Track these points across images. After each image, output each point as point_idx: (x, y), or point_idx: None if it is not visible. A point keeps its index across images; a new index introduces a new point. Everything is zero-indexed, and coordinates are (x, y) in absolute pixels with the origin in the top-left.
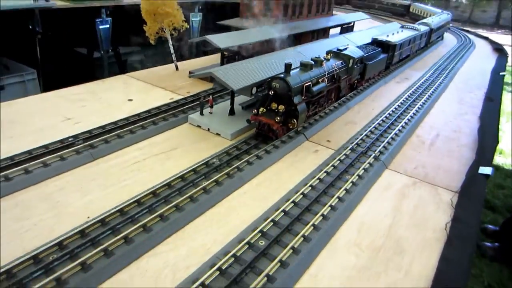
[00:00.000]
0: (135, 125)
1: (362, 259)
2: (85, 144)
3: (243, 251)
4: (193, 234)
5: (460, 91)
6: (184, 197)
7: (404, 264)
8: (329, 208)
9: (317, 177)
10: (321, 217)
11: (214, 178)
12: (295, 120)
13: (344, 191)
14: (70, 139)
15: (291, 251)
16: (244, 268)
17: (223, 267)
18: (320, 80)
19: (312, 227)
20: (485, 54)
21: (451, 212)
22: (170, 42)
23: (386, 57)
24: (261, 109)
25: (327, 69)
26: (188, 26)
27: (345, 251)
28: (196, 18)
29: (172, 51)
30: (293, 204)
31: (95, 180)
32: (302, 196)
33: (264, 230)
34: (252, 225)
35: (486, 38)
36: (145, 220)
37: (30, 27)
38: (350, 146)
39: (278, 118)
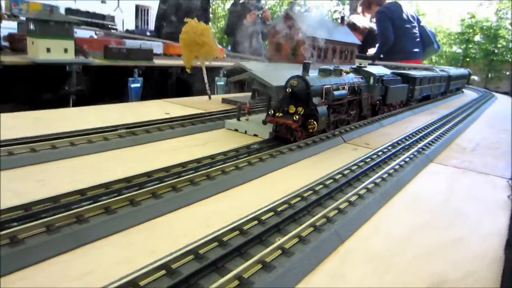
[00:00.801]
0: (174, 122)
1: (422, 217)
2: (127, 131)
3: (297, 200)
4: (238, 195)
5: (490, 121)
6: (230, 163)
7: (468, 223)
8: (380, 179)
9: (361, 159)
10: (373, 184)
11: (257, 155)
12: (315, 122)
13: (392, 170)
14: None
15: (347, 203)
16: (297, 211)
17: (278, 209)
18: (340, 87)
19: (365, 190)
20: (508, 102)
21: (510, 191)
22: (205, 71)
23: (407, 87)
24: (277, 114)
25: (347, 80)
26: (224, 56)
27: (403, 211)
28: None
29: (205, 80)
30: (341, 175)
31: (136, 158)
32: (349, 171)
33: (316, 189)
34: (300, 189)
35: (506, 93)
36: (191, 176)
37: (66, 88)
38: (391, 147)
39: (297, 116)
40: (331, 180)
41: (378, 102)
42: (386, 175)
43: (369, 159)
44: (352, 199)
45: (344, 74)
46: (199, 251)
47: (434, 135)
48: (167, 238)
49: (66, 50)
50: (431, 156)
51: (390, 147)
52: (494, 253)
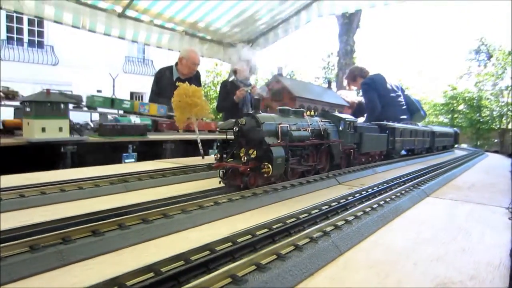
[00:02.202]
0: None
1: (424, 234)
2: (119, 178)
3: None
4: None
5: (484, 169)
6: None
7: (471, 238)
8: (377, 204)
9: (356, 190)
10: (370, 208)
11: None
12: (270, 165)
13: (389, 198)
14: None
15: (344, 221)
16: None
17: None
18: (301, 129)
19: (362, 212)
20: (499, 158)
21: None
22: (197, 131)
23: (386, 136)
24: (229, 160)
25: (310, 122)
26: (214, 118)
27: (403, 230)
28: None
29: (198, 140)
30: (336, 203)
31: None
32: (344, 200)
33: (311, 212)
34: (295, 211)
35: (496, 151)
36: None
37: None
38: (386, 184)
39: (245, 158)
40: (326, 206)
41: (352, 150)
42: (383, 202)
43: (364, 192)
44: (349, 218)
45: (307, 116)
46: None
47: (430, 175)
48: None
49: (60, 129)
50: (428, 191)
51: (385, 184)
52: (499, 260)
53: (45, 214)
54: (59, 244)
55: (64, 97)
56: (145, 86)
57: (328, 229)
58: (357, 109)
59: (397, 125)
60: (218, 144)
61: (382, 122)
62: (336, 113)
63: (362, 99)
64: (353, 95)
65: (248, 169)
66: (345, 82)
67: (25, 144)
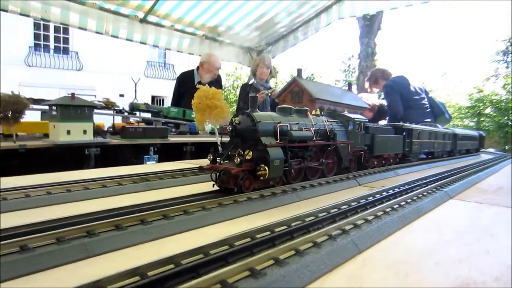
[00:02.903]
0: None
1: (446, 236)
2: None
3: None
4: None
5: None
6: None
7: (496, 241)
8: (397, 205)
9: (377, 191)
10: (391, 208)
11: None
12: (266, 167)
13: (410, 200)
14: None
15: (364, 220)
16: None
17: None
18: (303, 129)
19: (382, 212)
20: None
21: None
22: (217, 132)
23: (402, 138)
24: (225, 162)
25: (315, 121)
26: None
27: (424, 231)
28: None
29: (218, 142)
30: (356, 202)
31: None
32: (364, 200)
33: (330, 211)
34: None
35: None
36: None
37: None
38: (408, 185)
39: (239, 159)
40: (345, 206)
41: (363, 152)
42: (404, 202)
43: (385, 192)
44: (369, 217)
45: (312, 115)
46: None
47: (453, 177)
48: None
49: (85, 132)
50: (451, 193)
51: (407, 185)
52: None
53: (71, 210)
54: (83, 237)
55: (88, 101)
56: (165, 90)
57: (347, 227)
58: (378, 112)
59: (414, 126)
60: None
61: (398, 123)
62: (346, 113)
63: (384, 101)
64: (374, 97)
65: (242, 172)
66: (366, 84)
67: (51, 146)
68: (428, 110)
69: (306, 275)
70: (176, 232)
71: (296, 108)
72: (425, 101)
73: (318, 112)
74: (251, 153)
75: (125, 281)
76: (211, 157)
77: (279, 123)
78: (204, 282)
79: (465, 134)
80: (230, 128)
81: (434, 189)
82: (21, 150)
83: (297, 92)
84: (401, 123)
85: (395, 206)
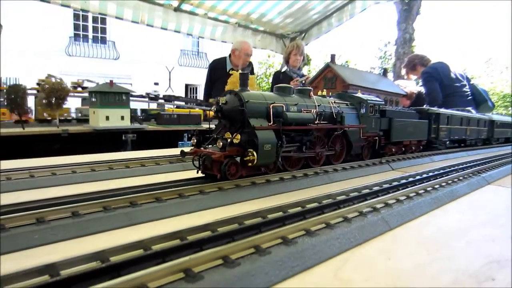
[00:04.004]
0: None
1: (480, 218)
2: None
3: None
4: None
5: None
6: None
7: None
8: (431, 188)
9: (409, 174)
10: (424, 190)
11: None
12: (254, 152)
13: (445, 183)
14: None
15: (395, 200)
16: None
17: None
18: (303, 110)
19: (414, 193)
20: None
21: None
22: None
23: (427, 123)
24: (211, 146)
25: (318, 103)
26: None
27: (458, 213)
28: None
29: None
30: (388, 184)
31: None
32: (397, 182)
33: (361, 191)
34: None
35: None
36: None
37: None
38: (442, 170)
39: (221, 143)
40: (376, 187)
41: (377, 138)
42: (438, 186)
43: (418, 176)
44: (401, 198)
45: (316, 97)
46: None
47: (492, 164)
48: None
49: (122, 118)
50: (489, 179)
51: (442, 170)
52: None
53: (114, 185)
54: (127, 207)
55: (125, 88)
56: (199, 78)
57: (378, 205)
58: (416, 100)
59: (442, 110)
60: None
61: (423, 107)
62: (359, 94)
63: (422, 89)
64: (412, 85)
65: (224, 157)
66: (403, 71)
67: (91, 131)
68: (470, 97)
69: (336, 246)
70: (212, 206)
71: (298, 87)
72: (466, 88)
73: (324, 93)
74: (239, 136)
75: (166, 243)
76: (195, 140)
77: (273, 103)
78: (238, 246)
79: (505, 121)
80: (215, 109)
81: (470, 174)
82: (64, 135)
83: (330, 78)
84: (426, 107)
85: (429, 189)
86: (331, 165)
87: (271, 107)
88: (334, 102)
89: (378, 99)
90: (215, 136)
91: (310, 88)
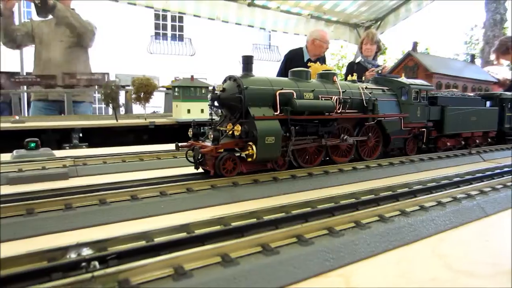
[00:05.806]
0: None
1: None
2: None
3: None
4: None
5: None
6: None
7: None
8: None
9: (506, 165)
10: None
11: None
12: (253, 146)
13: None
14: None
15: (491, 188)
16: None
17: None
18: (321, 97)
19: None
20: None
21: None
22: None
23: (497, 111)
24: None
25: (343, 88)
26: None
27: None
28: None
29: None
30: (490, 171)
31: None
32: (499, 170)
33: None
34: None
35: None
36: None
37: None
38: None
39: (212, 135)
40: (469, 176)
41: (426, 130)
42: None
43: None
44: (497, 186)
45: (341, 82)
46: None
47: None
48: None
49: (202, 111)
50: None
51: None
52: None
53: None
54: (156, 197)
55: (204, 83)
56: (271, 72)
57: (473, 192)
58: (510, 88)
59: None
60: None
61: (493, 92)
62: (402, 79)
63: None
64: (504, 70)
65: (216, 151)
66: (492, 56)
67: (174, 123)
68: None
69: (432, 226)
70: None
71: (320, 72)
72: None
73: (355, 78)
74: (239, 127)
75: (208, 228)
76: (192, 132)
77: (280, 89)
78: (340, 219)
79: None
80: (211, 97)
81: None
82: (151, 126)
83: (411, 67)
84: (499, 92)
85: None
86: (363, 161)
87: (277, 94)
88: (366, 88)
89: (425, 83)
90: (213, 127)
91: (333, 71)
